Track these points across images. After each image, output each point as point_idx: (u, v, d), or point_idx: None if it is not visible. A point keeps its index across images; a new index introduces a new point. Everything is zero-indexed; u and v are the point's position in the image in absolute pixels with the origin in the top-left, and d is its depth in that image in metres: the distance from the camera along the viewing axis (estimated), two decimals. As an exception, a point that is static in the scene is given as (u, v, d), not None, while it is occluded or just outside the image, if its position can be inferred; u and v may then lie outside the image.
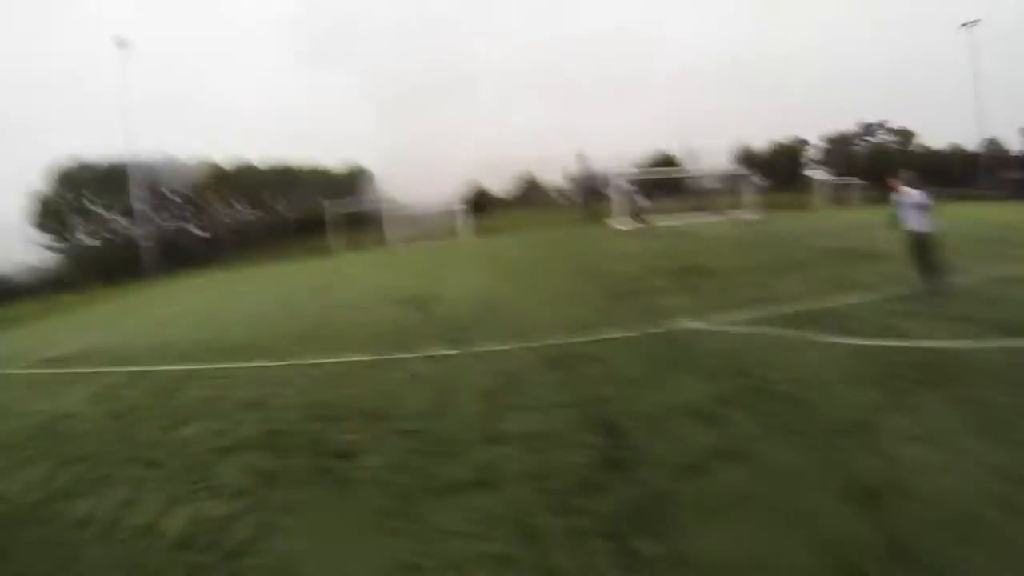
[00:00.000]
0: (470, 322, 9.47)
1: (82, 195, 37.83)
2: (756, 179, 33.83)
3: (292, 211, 47.05)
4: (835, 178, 43.18)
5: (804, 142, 57.10)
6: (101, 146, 39.61)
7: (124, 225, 38.22)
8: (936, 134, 54.88)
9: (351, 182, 51.03)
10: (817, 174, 49.34)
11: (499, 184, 41.20)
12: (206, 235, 43.68)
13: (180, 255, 35.86)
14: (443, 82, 69.74)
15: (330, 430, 5.34)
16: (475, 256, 20.37)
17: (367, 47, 72.64)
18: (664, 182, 38.56)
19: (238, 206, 47.23)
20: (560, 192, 46.92)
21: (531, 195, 40.47)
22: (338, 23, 67.90)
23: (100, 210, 38.57)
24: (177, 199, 43.17)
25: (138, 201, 35.94)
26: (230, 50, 67.81)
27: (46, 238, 36.69)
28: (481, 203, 35.50)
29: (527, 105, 68.14)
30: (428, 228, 30.83)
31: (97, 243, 37.83)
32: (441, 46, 71.45)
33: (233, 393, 6.92)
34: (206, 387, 7.34)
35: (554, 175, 46.08)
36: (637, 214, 26.35)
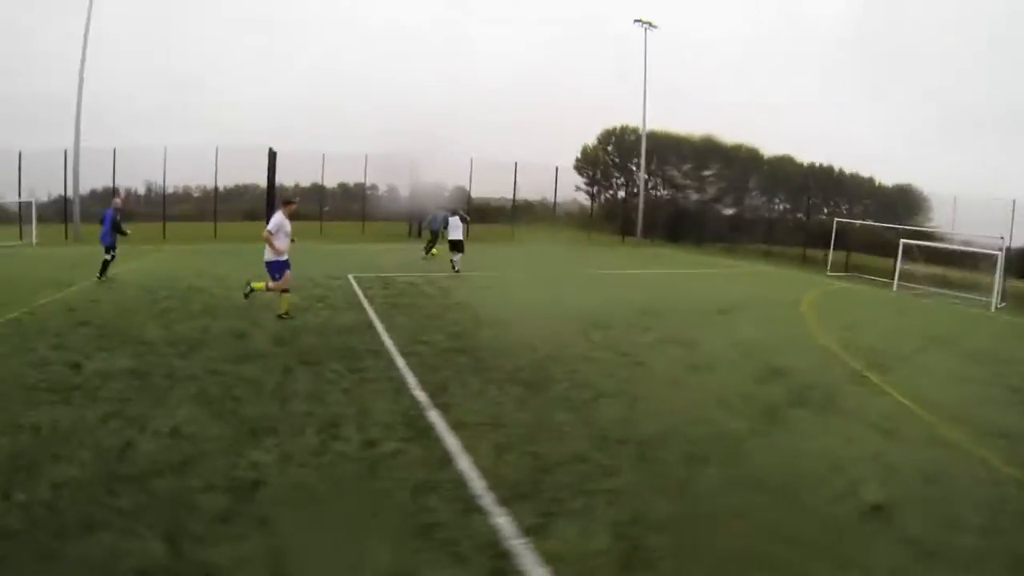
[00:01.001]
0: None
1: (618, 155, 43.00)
2: None
3: (823, 213, 41.27)
4: None
5: None
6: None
7: (646, 186, 40.47)
8: None
9: (901, 200, 40.85)
10: None
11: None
12: (729, 214, 42.52)
13: (691, 227, 35.86)
14: None
15: None
16: (975, 342, 11.93)
17: (935, 65, 55.61)
18: None
19: (774, 198, 43.75)
20: None
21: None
22: (902, 40, 54.16)
23: (634, 169, 42.09)
24: (711, 176, 43.26)
25: (670, 168, 38.60)
26: (767, 48, 61.65)
27: (584, 182, 42.86)
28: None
29: None
30: (947, 274, 21.06)
31: (622, 196, 42.34)
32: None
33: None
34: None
35: None
36: None
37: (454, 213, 16.42)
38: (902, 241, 20.29)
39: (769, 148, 42.66)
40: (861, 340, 10.92)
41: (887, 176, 42.50)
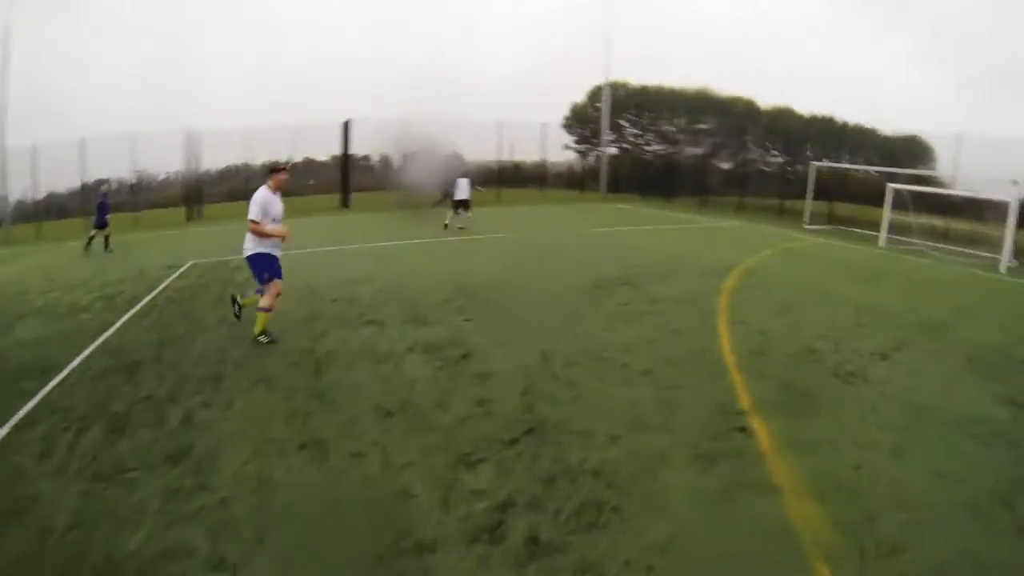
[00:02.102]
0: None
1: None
2: None
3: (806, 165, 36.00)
4: None
5: None
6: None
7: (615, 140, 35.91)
8: None
9: (904, 149, 35.35)
10: None
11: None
12: (714, 167, 37.10)
13: (661, 181, 31.14)
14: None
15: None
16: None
17: (949, 9, 47.33)
18: None
19: (770, 150, 38.54)
20: None
21: None
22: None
23: (625, 125, 37.23)
24: (707, 129, 37.75)
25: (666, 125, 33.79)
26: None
27: (572, 140, 37.96)
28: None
29: None
30: (948, 225, 16.04)
31: (614, 152, 36.72)
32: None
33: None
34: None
35: None
36: None
37: (463, 176, 17.37)
38: (889, 186, 15.31)
39: (767, 99, 37.61)
40: (792, 334, 6.50)
41: (892, 126, 37.05)
